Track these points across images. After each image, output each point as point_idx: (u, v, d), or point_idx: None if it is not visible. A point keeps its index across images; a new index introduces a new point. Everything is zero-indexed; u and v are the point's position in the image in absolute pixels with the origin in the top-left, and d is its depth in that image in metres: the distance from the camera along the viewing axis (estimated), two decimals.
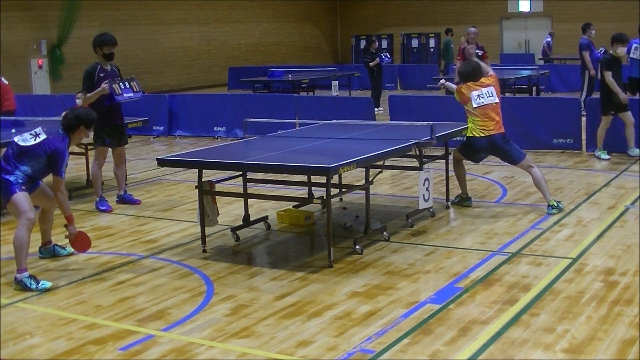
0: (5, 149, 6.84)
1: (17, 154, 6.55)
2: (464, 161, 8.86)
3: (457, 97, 8.60)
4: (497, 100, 8.46)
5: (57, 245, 7.36)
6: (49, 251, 7.30)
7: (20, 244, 6.36)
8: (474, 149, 8.58)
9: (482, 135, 8.40)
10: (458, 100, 8.63)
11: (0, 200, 6.49)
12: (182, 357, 5.00)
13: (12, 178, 6.46)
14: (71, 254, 7.34)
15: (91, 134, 6.99)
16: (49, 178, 6.74)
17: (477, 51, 14.05)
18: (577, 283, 6.14)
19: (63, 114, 6.95)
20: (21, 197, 6.43)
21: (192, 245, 7.59)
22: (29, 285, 6.31)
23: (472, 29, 14.69)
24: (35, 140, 6.55)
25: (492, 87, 8.46)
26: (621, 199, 8.90)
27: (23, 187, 6.47)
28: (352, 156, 6.90)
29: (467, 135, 8.54)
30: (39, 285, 6.35)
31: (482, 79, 8.48)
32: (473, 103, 8.38)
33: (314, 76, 20.61)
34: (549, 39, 25.11)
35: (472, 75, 8.50)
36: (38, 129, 6.66)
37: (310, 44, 34.82)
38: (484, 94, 8.41)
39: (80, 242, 6.99)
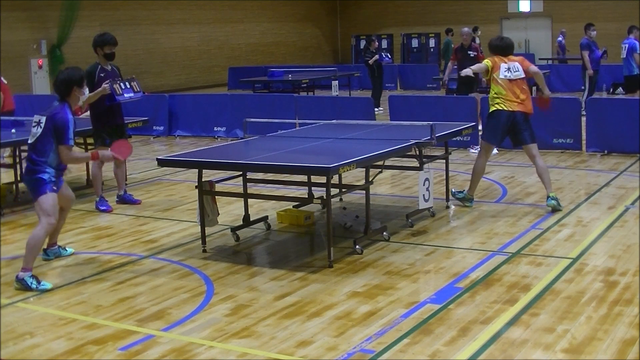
0: (27, 154, 6.79)
1: (36, 151, 6.47)
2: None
3: (490, 63, 8.60)
4: (523, 75, 8.61)
5: (59, 246, 7.35)
6: (54, 252, 7.26)
7: (35, 244, 6.36)
8: (494, 125, 8.56)
9: (505, 109, 8.45)
10: (489, 69, 8.59)
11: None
12: (182, 357, 5.01)
13: (45, 177, 6.43)
14: (72, 254, 7.35)
15: (86, 90, 6.89)
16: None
17: (471, 52, 14.01)
18: (577, 283, 6.14)
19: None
20: (49, 199, 6.41)
21: (192, 245, 7.59)
22: (29, 285, 6.29)
23: (466, 29, 14.58)
24: (40, 127, 6.48)
25: (518, 63, 8.62)
26: (621, 199, 8.90)
27: (54, 188, 6.46)
28: (352, 156, 6.90)
29: (491, 110, 8.61)
30: (40, 285, 6.33)
31: (511, 56, 8.67)
32: (500, 74, 8.50)
33: (314, 76, 20.61)
34: (561, 39, 25.02)
35: (504, 49, 8.68)
36: (35, 117, 6.61)
37: (310, 44, 34.81)
38: (512, 68, 8.55)
39: (120, 150, 6.97)
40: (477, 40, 16.01)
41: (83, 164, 6.65)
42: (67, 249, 7.39)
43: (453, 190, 8.92)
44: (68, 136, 6.47)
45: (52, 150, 6.47)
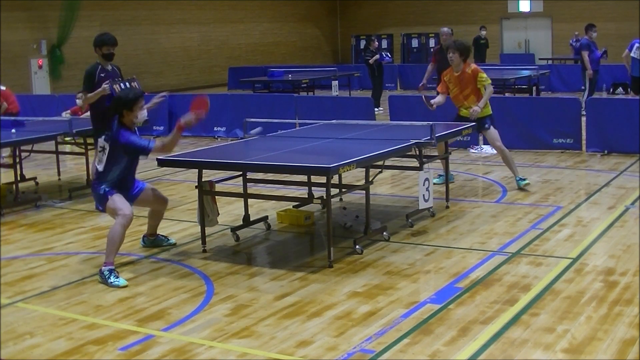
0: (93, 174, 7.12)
1: (99, 174, 6.76)
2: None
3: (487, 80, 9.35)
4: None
5: (161, 235, 7.61)
6: (151, 241, 7.52)
7: (112, 238, 6.51)
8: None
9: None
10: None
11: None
12: (182, 357, 5.01)
13: (101, 190, 6.68)
14: (174, 245, 7.55)
15: (144, 112, 7.13)
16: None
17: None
18: (577, 283, 6.14)
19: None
20: (114, 199, 6.63)
21: (192, 245, 7.59)
22: (107, 279, 6.41)
23: (445, 29, 14.43)
24: (105, 152, 6.68)
25: None
26: (621, 199, 8.90)
27: (114, 191, 6.67)
28: (352, 156, 6.90)
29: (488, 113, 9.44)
30: (116, 280, 6.41)
31: None
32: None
33: (314, 76, 20.62)
34: (573, 41, 24.83)
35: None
36: (100, 142, 6.77)
37: (310, 44, 34.82)
38: None
39: (200, 105, 7.24)
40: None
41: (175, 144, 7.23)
42: (169, 238, 7.65)
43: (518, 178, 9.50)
44: (142, 144, 6.71)
45: (114, 169, 6.72)
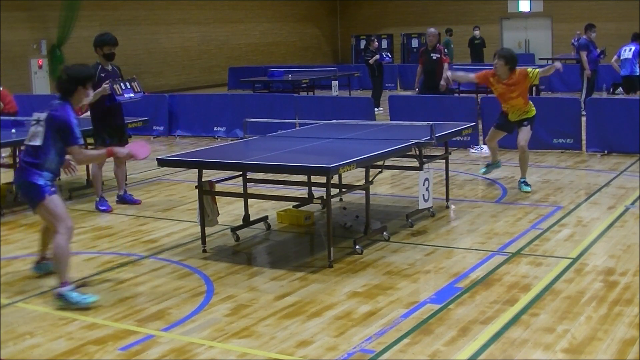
0: (21, 154, 6.21)
1: (33, 151, 5.98)
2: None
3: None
4: None
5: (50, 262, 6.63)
6: (47, 267, 6.64)
7: (61, 257, 5.86)
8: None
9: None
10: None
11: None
12: (182, 357, 5.01)
13: (41, 181, 5.90)
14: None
15: (91, 92, 6.29)
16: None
17: (434, 55, 14.02)
18: (577, 283, 6.14)
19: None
20: (55, 201, 5.91)
21: (192, 245, 7.59)
22: (72, 300, 5.84)
23: (432, 30, 14.47)
24: (39, 125, 5.97)
25: None
26: (621, 199, 8.90)
27: (53, 189, 5.95)
28: (352, 156, 6.90)
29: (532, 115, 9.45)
30: (83, 297, 5.88)
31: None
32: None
33: (314, 76, 20.60)
34: (574, 40, 24.78)
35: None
36: (34, 115, 6.12)
37: (310, 44, 34.81)
38: None
39: (139, 150, 6.44)
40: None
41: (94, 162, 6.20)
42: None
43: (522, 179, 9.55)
44: (76, 135, 5.95)
45: (50, 153, 5.95)
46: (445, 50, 14.98)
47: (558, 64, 9.66)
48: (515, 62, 9.23)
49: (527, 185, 9.50)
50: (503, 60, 9.15)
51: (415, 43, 32.35)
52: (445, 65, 13.94)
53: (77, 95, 6.14)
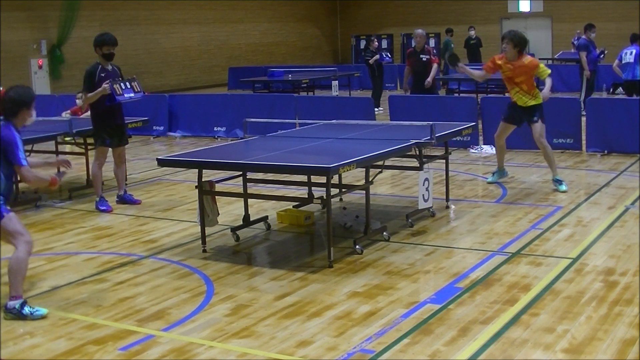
0: None
1: None
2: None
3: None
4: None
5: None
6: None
7: (19, 269, 5.72)
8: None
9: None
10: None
11: None
12: (182, 357, 5.01)
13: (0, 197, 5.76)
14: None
15: (34, 113, 6.14)
16: None
17: (423, 56, 14.06)
18: (577, 283, 6.14)
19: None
20: (12, 219, 5.77)
21: (192, 245, 7.59)
22: (23, 313, 5.71)
23: (419, 31, 14.51)
24: None
25: None
26: (621, 199, 8.90)
27: (8, 207, 5.79)
28: (352, 156, 6.90)
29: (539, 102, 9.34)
30: (35, 311, 5.75)
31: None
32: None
33: (314, 76, 20.60)
34: (575, 40, 24.78)
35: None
36: None
37: (310, 44, 34.81)
38: None
39: (52, 183, 6.13)
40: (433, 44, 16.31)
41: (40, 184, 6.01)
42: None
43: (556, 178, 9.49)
44: (19, 156, 5.79)
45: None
46: (434, 50, 15.09)
47: (546, 96, 9.44)
48: (524, 44, 9.31)
49: (561, 183, 9.39)
50: (512, 43, 9.21)
51: (415, 43, 32.34)
52: (435, 65, 14.02)
53: (21, 117, 6.02)
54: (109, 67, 9.10)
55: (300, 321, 5.52)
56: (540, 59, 27.34)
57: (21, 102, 6.00)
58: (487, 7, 31.94)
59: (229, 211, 8.67)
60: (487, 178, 10.10)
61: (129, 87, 9.12)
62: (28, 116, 6.06)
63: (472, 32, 25.16)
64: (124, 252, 7.47)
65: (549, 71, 9.32)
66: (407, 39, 32.48)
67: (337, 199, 8.87)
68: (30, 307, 5.76)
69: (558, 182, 9.40)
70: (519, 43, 9.24)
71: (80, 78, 9.45)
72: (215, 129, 15.18)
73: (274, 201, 8.73)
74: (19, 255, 5.72)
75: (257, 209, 8.76)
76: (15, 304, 5.72)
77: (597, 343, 4.98)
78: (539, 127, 9.33)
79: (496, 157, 10.08)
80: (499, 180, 9.93)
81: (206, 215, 7.37)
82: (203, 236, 7.40)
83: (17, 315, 5.70)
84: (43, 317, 5.74)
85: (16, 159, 5.81)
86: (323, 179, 6.90)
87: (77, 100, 14.30)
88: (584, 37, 16.59)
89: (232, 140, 13.78)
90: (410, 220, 7.99)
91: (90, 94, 8.90)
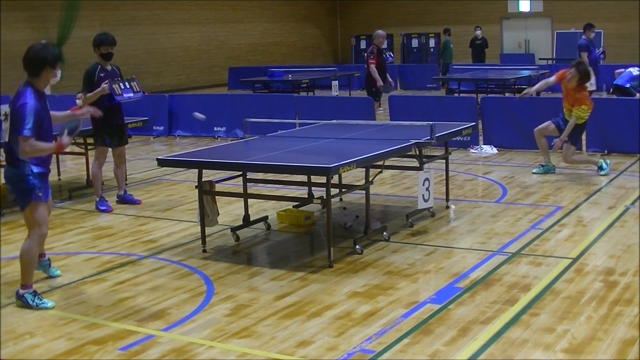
0: (3, 149, 6.02)
1: (12, 149, 5.76)
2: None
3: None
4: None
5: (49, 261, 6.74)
6: (42, 265, 6.63)
7: (31, 259, 5.89)
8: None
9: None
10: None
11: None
12: (182, 357, 5.01)
13: (30, 180, 5.77)
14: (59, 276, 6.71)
15: (59, 73, 5.96)
16: None
17: (389, 55, 14.21)
18: (577, 283, 6.14)
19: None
20: (40, 208, 5.84)
21: (192, 245, 7.59)
22: (30, 303, 5.89)
23: (380, 32, 14.78)
24: (7, 120, 5.72)
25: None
26: (621, 199, 8.90)
27: (40, 194, 5.83)
28: (352, 156, 6.90)
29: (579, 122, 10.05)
30: (42, 303, 5.92)
31: None
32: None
33: (314, 76, 20.59)
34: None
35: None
36: (2, 108, 5.78)
37: (310, 44, 34.80)
38: None
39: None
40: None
41: (49, 154, 5.80)
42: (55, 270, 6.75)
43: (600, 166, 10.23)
44: (23, 126, 5.51)
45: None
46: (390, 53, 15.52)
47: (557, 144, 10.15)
48: (586, 79, 10.06)
49: (602, 168, 10.26)
50: (578, 75, 9.93)
51: (415, 43, 32.34)
52: (372, 66, 14.51)
53: (44, 76, 5.82)
54: (109, 67, 9.09)
55: (300, 321, 5.52)
56: (540, 58, 27.40)
57: (43, 61, 5.72)
58: (487, 7, 31.92)
59: (229, 211, 8.67)
60: (534, 170, 10.60)
61: (128, 87, 9.12)
62: (52, 76, 5.84)
63: (479, 32, 25.09)
64: (124, 252, 7.47)
65: (582, 115, 9.98)
66: (407, 39, 32.50)
67: (337, 199, 8.87)
68: (39, 298, 5.95)
69: (600, 168, 10.27)
70: (582, 78, 9.97)
71: (80, 78, 9.44)
72: (215, 129, 15.17)
73: (274, 201, 8.73)
74: (29, 244, 5.91)
75: (257, 209, 8.76)
76: (24, 292, 5.94)
77: (597, 343, 4.98)
78: (565, 149, 10.11)
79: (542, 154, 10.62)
80: (546, 174, 10.36)
81: (206, 215, 7.37)
82: (203, 236, 7.40)
83: (25, 303, 5.91)
84: (48, 308, 5.89)
85: (19, 129, 5.54)
86: (323, 179, 6.91)
87: (77, 100, 14.23)
88: (583, 37, 16.57)
89: (232, 140, 13.77)
90: (410, 220, 7.99)
91: (89, 94, 8.90)
